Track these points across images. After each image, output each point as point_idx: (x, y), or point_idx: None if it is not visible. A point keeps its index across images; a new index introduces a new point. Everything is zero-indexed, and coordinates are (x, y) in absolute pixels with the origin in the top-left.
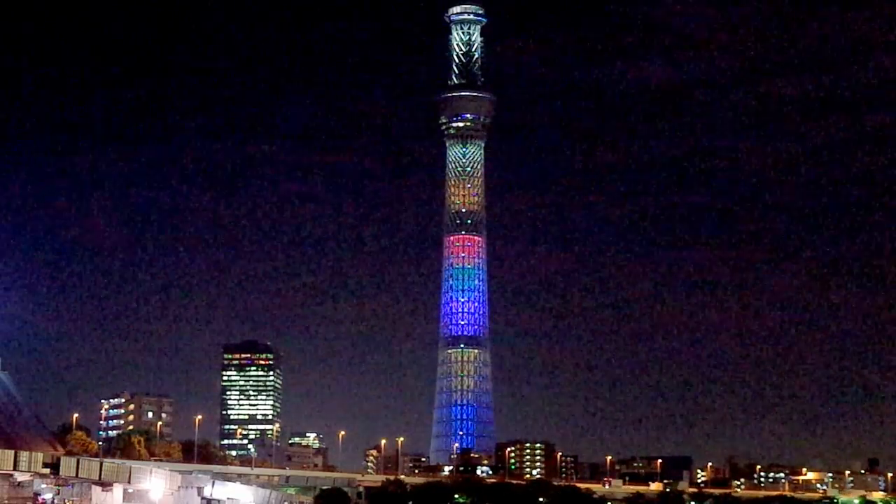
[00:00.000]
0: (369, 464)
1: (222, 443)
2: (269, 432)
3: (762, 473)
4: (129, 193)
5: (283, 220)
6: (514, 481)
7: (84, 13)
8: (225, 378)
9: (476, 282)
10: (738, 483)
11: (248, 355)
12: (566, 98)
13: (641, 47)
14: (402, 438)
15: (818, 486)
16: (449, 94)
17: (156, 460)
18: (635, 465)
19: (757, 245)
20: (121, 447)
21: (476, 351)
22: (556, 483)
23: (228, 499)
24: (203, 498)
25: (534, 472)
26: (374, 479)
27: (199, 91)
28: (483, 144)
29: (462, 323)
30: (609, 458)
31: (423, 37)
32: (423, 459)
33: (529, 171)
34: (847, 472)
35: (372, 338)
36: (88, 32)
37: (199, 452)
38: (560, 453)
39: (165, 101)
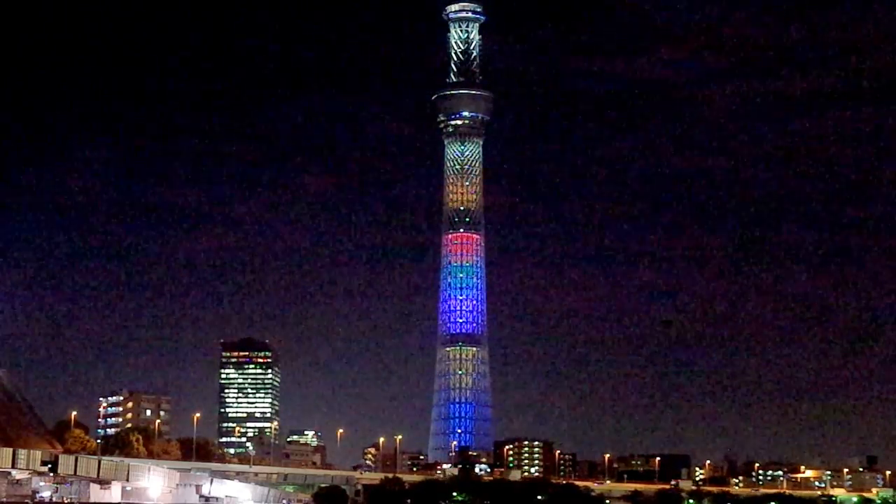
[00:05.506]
0: (367, 461)
1: (220, 441)
2: (268, 430)
3: (760, 471)
4: (127, 192)
5: (281, 218)
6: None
7: (83, 12)
8: (223, 376)
9: (474, 279)
10: (737, 481)
11: (247, 353)
12: (564, 96)
13: (641, 45)
14: (400, 436)
15: (816, 483)
16: (447, 92)
17: (155, 458)
18: (633, 462)
19: (755, 244)
20: (119, 445)
21: (474, 349)
22: (554, 481)
23: (227, 497)
24: (201, 496)
25: (532, 470)
26: (373, 476)
27: (198, 89)
28: (481, 142)
29: (460, 321)
30: (607, 455)
31: (422, 34)
32: (422, 457)
33: (528, 168)
34: (845, 470)
35: (370, 335)
36: (86, 31)
37: (197, 450)
38: (558, 451)
39: (164, 99)
